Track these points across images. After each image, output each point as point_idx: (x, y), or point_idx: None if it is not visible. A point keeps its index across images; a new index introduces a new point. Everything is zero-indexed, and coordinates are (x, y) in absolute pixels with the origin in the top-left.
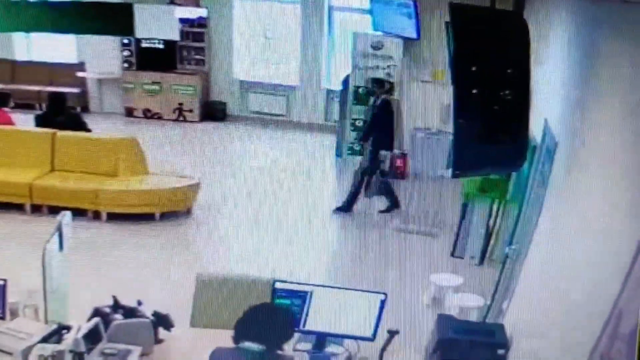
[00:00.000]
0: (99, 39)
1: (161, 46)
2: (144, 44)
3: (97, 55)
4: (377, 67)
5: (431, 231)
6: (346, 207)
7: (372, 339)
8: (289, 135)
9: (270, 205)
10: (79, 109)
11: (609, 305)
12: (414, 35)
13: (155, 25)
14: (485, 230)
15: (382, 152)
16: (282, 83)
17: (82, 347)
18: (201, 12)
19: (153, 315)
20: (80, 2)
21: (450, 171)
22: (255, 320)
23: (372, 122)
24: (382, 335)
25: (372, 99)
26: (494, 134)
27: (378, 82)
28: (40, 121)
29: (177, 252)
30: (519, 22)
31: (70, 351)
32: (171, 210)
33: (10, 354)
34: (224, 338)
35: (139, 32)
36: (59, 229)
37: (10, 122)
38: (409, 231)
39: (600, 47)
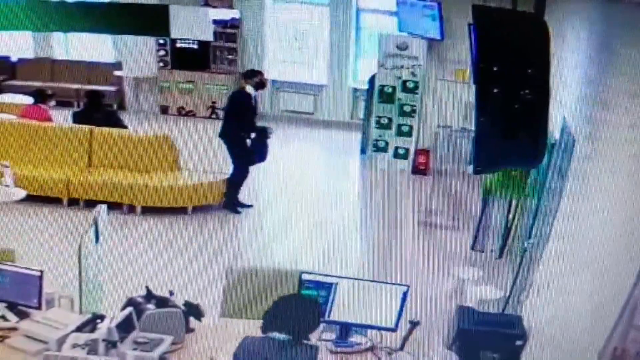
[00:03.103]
0: (136, 39)
1: (195, 46)
2: (178, 44)
3: (134, 55)
4: (402, 67)
5: (452, 225)
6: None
7: (395, 329)
8: (317, 132)
9: (298, 200)
10: (115, 107)
11: (624, 296)
12: (438, 36)
13: (190, 26)
14: (505, 224)
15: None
16: (311, 82)
17: (116, 336)
18: (234, 13)
19: (184, 305)
20: (118, 3)
21: (471, 167)
22: (283, 311)
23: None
24: (404, 326)
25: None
26: (514, 132)
27: (246, 72)
28: (78, 118)
29: (208, 244)
30: (540, 23)
31: (104, 340)
32: (203, 205)
33: (45, 342)
34: (253, 328)
35: (174, 33)
36: (95, 222)
37: (49, 119)
38: (431, 225)
39: (617, 48)
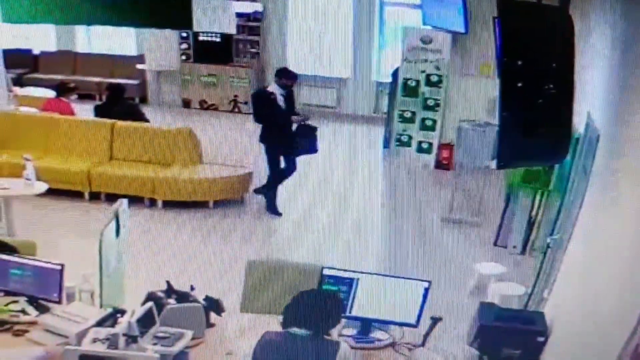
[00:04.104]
0: (158, 33)
1: (218, 39)
2: (201, 37)
3: (156, 48)
4: (426, 60)
5: (475, 221)
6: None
7: (416, 325)
8: (339, 126)
9: (319, 195)
10: (137, 100)
11: None
12: (462, 29)
13: (213, 19)
14: (528, 220)
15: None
16: (334, 76)
17: (136, 331)
18: (257, 6)
19: (205, 300)
20: None
21: (495, 162)
22: (304, 306)
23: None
24: (426, 322)
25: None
26: (538, 127)
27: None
28: (100, 111)
29: (229, 239)
30: (565, 17)
31: (124, 335)
32: (225, 199)
33: (66, 337)
34: (273, 323)
35: (197, 26)
36: (116, 216)
37: (71, 112)
38: (453, 221)
39: None
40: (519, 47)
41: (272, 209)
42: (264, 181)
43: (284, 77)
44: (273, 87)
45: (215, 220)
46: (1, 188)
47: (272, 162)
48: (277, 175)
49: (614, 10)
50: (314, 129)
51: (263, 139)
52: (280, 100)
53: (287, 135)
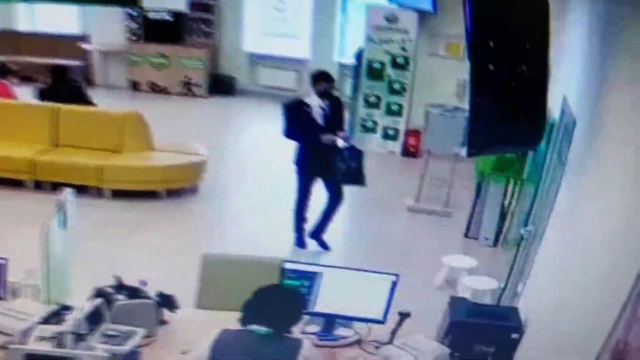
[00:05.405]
0: (104, 10)
1: (169, 18)
2: (150, 15)
3: (102, 27)
4: (392, 40)
5: (444, 211)
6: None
7: (383, 321)
8: None
9: (278, 183)
10: (83, 82)
11: (627, 287)
12: (430, 8)
13: None
14: (500, 210)
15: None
16: (293, 56)
17: (84, 329)
18: None
19: (157, 296)
20: None
21: (465, 149)
22: (264, 302)
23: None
24: (394, 318)
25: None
26: (511, 112)
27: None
28: (44, 95)
29: (182, 231)
30: None
31: (72, 333)
32: (177, 188)
33: (10, 335)
34: (230, 320)
35: (146, 3)
36: (62, 207)
37: (13, 96)
38: (421, 211)
39: (621, 24)
40: (491, 27)
41: (300, 241)
42: (220, 170)
43: (322, 82)
44: (311, 98)
45: (168, 211)
46: None
47: (300, 185)
48: (301, 202)
49: None
50: (359, 152)
51: (296, 160)
52: (318, 114)
53: (322, 157)
